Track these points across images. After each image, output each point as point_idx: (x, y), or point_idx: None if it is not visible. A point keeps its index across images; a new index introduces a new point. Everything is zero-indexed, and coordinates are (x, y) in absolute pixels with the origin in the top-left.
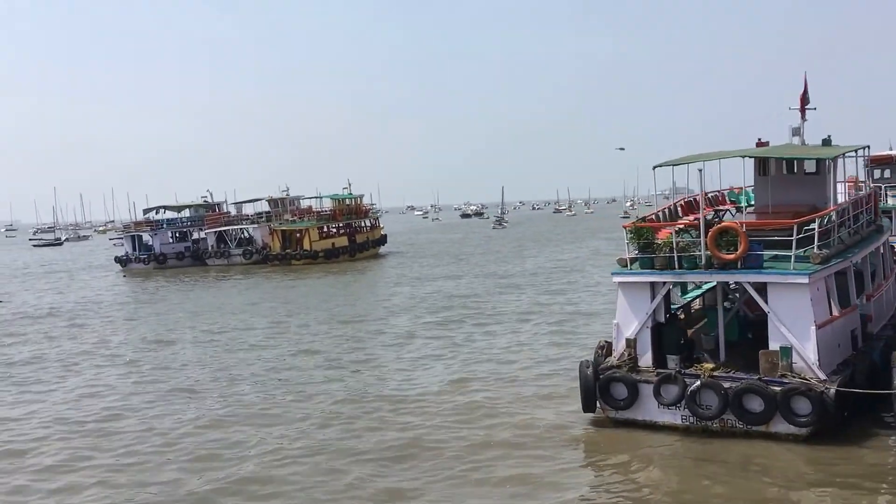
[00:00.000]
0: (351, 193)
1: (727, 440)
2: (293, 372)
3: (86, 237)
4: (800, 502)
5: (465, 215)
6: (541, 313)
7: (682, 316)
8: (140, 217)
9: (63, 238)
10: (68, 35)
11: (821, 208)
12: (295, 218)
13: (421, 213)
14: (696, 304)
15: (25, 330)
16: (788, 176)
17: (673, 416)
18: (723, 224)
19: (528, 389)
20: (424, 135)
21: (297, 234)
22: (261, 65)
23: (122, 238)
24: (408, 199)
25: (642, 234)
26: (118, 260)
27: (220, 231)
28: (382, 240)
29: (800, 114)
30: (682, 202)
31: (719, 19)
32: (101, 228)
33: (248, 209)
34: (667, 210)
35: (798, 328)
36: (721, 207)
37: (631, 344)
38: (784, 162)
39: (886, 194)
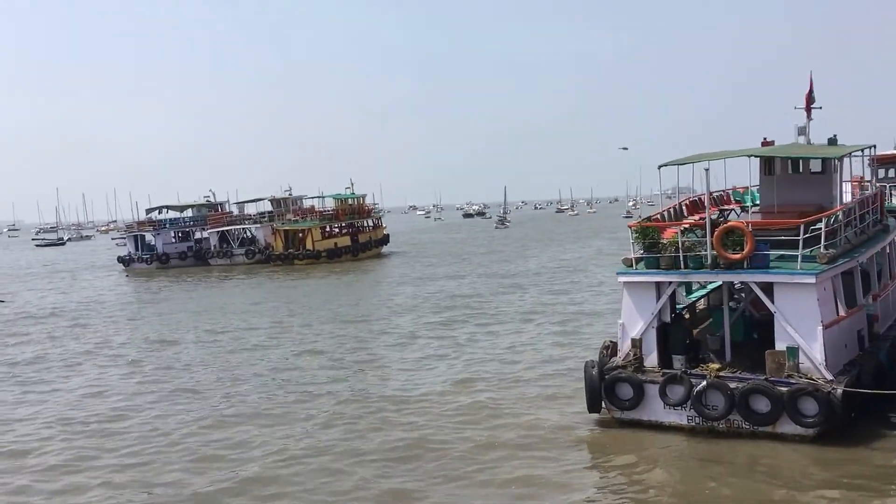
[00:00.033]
0: (353, 193)
1: (733, 441)
2: (296, 372)
3: (88, 237)
4: None
5: (467, 215)
6: (544, 313)
7: (688, 316)
8: (143, 217)
9: (66, 238)
10: (68, 35)
11: (827, 208)
12: (298, 218)
13: (423, 212)
14: (702, 304)
15: (28, 330)
16: (794, 175)
17: (679, 417)
18: (729, 224)
19: (533, 390)
20: (425, 135)
21: (300, 234)
22: (261, 65)
23: (124, 238)
24: (410, 200)
25: (648, 233)
26: (121, 260)
27: (222, 231)
28: (385, 240)
29: (805, 113)
30: (687, 202)
31: (721, 18)
32: (103, 228)
33: (251, 209)
34: (672, 209)
35: (805, 328)
36: (726, 207)
37: (636, 344)
38: (790, 161)
39: (892, 193)
